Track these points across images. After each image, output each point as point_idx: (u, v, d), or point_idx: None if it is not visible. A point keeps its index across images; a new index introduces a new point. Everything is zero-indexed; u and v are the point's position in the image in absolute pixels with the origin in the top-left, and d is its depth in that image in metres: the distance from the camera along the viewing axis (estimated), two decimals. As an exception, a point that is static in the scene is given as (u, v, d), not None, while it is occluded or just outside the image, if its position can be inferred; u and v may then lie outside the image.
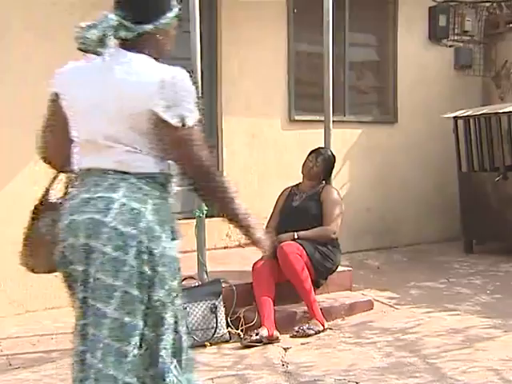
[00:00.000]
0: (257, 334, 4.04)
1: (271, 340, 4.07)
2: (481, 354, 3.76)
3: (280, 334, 4.10)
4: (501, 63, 7.76)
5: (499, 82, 7.79)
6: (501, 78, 7.77)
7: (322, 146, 4.88)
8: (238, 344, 4.07)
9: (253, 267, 4.37)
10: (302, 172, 4.71)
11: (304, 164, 4.71)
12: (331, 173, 4.79)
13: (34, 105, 4.95)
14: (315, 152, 4.72)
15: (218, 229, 5.79)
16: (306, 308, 4.36)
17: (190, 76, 2.16)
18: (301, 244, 4.33)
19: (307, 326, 4.21)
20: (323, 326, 4.27)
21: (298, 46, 6.43)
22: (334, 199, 4.60)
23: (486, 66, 7.84)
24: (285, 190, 4.81)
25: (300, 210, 4.55)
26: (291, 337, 4.16)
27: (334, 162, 4.81)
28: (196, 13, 4.29)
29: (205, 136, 2.14)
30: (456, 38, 7.57)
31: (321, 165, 4.65)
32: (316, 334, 4.19)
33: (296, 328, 4.21)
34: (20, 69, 4.92)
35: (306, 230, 4.42)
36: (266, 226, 4.74)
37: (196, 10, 4.29)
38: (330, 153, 4.77)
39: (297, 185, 4.77)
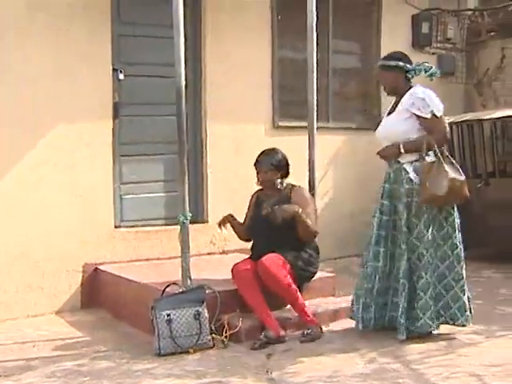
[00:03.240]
0: (265, 336, 4.07)
1: (279, 340, 4.09)
2: (463, 359, 3.78)
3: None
4: (483, 71, 7.84)
5: (481, 89, 7.87)
6: (483, 85, 7.85)
7: (272, 147, 4.65)
8: (222, 350, 4.06)
9: (235, 274, 4.36)
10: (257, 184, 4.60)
11: (256, 176, 4.56)
12: (287, 168, 4.59)
13: (26, 106, 4.96)
14: (256, 163, 4.54)
15: (203, 235, 5.79)
16: (288, 315, 4.37)
17: None
18: (283, 254, 4.30)
19: (310, 330, 4.21)
20: (321, 327, 4.29)
21: (282, 52, 6.46)
22: (305, 200, 4.48)
23: (468, 73, 7.92)
24: (253, 194, 4.71)
25: (269, 218, 4.31)
26: (300, 342, 4.16)
27: (283, 157, 4.58)
28: (180, 18, 4.28)
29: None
30: (439, 45, 7.65)
31: (269, 170, 4.48)
32: (319, 337, 4.21)
33: (304, 333, 4.19)
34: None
35: (279, 237, 4.30)
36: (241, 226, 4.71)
37: (180, 15, 4.28)
38: (272, 153, 4.55)
39: (262, 189, 4.65)
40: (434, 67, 4.27)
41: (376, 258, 4.21)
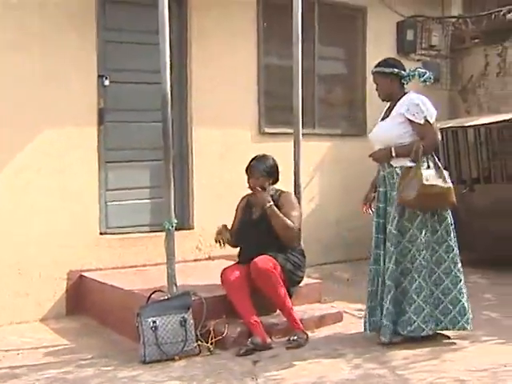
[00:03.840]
0: (252, 343, 4.08)
1: (265, 347, 4.11)
2: (448, 364, 3.80)
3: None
4: (467, 77, 7.91)
5: (465, 95, 7.93)
6: (467, 92, 7.92)
7: (263, 154, 4.68)
8: (208, 357, 4.05)
9: (224, 279, 4.37)
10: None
11: (247, 181, 4.57)
12: (278, 174, 4.64)
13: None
14: (248, 169, 4.57)
15: (189, 241, 5.77)
16: (275, 321, 4.37)
17: None
18: (274, 257, 4.33)
19: (296, 337, 4.23)
20: (307, 334, 4.30)
21: (268, 59, 6.47)
22: (291, 204, 4.53)
23: (452, 80, 7.99)
24: (243, 198, 4.73)
25: (260, 223, 4.44)
26: (286, 348, 4.16)
27: (274, 164, 4.62)
28: (165, 23, 4.28)
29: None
30: (423, 52, 7.71)
31: (261, 176, 4.51)
32: (304, 343, 4.22)
33: (290, 339, 4.21)
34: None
35: (267, 241, 4.35)
36: (231, 231, 4.71)
37: (165, 22, 4.28)
38: (263, 159, 4.58)
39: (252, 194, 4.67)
40: (428, 72, 4.31)
41: (377, 262, 4.26)
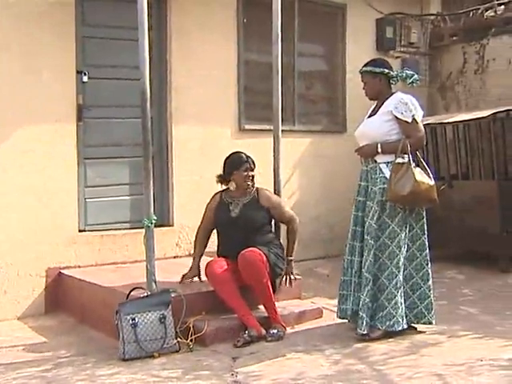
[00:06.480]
0: (249, 336, 4.15)
1: (261, 338, 4.19)
2: (426, 359, 3.84)
3: (226, 343, 4.16)
4: (445, 75, 7.97)
5: (444, 92, 8.00)
6: (446, 89, 7.98)
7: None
8: (188, 354, 4.05)
9: (210, 274, 4.38)
10: (237, 184, 4.59)
11: (240, 177, 4.55)
12: None
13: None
14: (245, 162, 4.59)
15: (168, 238, 5.76)
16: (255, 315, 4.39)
17: None
18: (259, 249, 4.35)
19: (276, 330, 4.28)
20: (285, 328, 4.36)
21: (247, 56, 6.47)
22: (277, 200, 4.70)
23: (431, 77, 8.04)
24: (215, 195, 4.72)
25: (243, 220, 4.50)
26: (267, 341, 4.21)
27: None
28: (144, 20, 4.26)
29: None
30: (402, 49, 7.75)
31: (254, 168, 4.63)
32: (283, 337, 4.29)
33: (270, 332, 4.26)
34: None
35: (249, 237, 4.41)
36: (198, 228, 4.77)
37: (144, 18, 4.26)
38: (246, 154, 4.69)
39: (225, 190, 4.68)
40: (416, 74, 4.38)
41: (351, 253, 4.33)
